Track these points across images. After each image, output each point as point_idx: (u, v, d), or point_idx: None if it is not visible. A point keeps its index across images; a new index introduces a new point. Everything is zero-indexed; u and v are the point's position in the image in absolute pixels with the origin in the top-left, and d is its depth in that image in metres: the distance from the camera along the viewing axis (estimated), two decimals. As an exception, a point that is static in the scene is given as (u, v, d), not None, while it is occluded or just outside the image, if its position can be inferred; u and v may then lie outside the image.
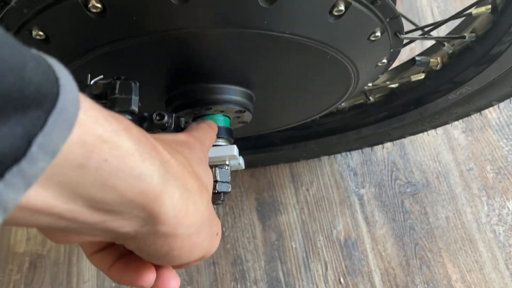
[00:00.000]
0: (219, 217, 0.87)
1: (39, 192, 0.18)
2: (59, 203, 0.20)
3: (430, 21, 1.03)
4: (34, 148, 0.16)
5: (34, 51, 0.18)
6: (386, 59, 0.49)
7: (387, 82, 0.67)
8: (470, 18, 0.54)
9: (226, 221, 0.90)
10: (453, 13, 0.99)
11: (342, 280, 0.82)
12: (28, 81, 0.16)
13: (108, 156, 0.20)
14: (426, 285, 0.79)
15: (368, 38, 0.42)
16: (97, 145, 0.19)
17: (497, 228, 0.82)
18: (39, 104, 0.17)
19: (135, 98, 0.36)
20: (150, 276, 0.30)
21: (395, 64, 0.71)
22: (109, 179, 0.20)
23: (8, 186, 0.16)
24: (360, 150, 0.92)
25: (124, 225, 0.24)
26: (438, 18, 1.03)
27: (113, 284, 0.86)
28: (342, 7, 0.37)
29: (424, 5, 1.05)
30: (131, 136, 0.22)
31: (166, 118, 0.39)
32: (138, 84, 0.37)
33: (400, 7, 1.06)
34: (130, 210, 0.23)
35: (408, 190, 0.88)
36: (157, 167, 0.23)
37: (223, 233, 0.89)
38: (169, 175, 0.25)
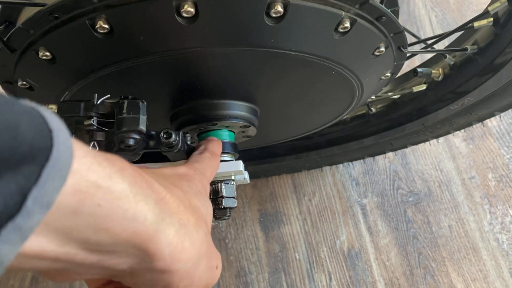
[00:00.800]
0: (221, 228, 0.87)
1: (34, 241, 0.19)
2: (54, 248, 0.20)
3: (429, 30, 1.04)
4: (29, 203, 0.17)
5: (27, 103, 0.18)
6: (390, 72, 0.50)
7: (389, 93, 0.68)
8: (471, 31, 0.55)
9: (229, 233, 0.89)
10: (451, 22, 1.00)
11: (346, 291, 0.82)
12: (21, 139, 0.16)
13: (101, 201, 0.20)
14: (430, 295, 0.79)
15: (373, 53, 0.43)
16: (90, 192, 0.20)
17: (500, 236, 0.82)
18: (32, 159, 0.17)
19: (143, 118, 0.36)
20: None
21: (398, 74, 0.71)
22: (103, 222, 0.21)
23: (4, 243, 0.16)
24: (362, 160, 0.92)
25: (120, 263, 0.24)
26: (437, 28, 1.04)
27: (116, 298, 0.85)
28: (347, 24, 0.37)
29: (423, 15, 1.06)
30: (125, 178, 0.22)
31: (173, 136, 0.39)
32: (145, 103, 0.37)
33: (398, 18, 1.07)
34: (125, 250, 0.23)
35: (410, 199, 0.88)
36: (151, 206, 0.24)
37: (226, 244, 0.88)
38: (164, 212, 0.25)
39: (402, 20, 1.06)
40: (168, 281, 0.27)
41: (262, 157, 0.87)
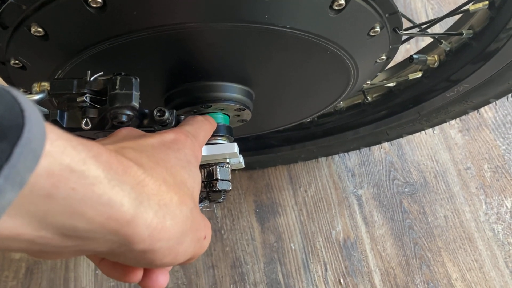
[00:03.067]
0: (217, 219, 0.86)
1: (7, 222, 0.19)
2: (29, 231, 0.20)
3: (425, 22, 1.04)
4: (0, 180, 0.16)
5: None
6: (385, 55, 0.49)
7: (385, 81, 0.68)
8: (467, 15, 0.55)
9: (224, 224, 0.89)
10: (450, 20, 1.00)
11: (342, 281, 0.81)
12: None
13: (75, 185, 0.20)
14: (426, 285, 0.79)
15: (368, 34, 0.43)
16: (64, 175, 0.20)
17: (495, 226, 0.82)
18: (4, 136, 0.17)
19: (136, 94, 0.36)
20: (137, 274, 0.30)
21: (392, 63, 0.71)
22: (78, 207, 0.21)
23: None
24: (357, 151, 0.92)
25: (100, 246, 0.24)
26: (433, 20, 1.04)
27: (111, 289, 0.85)
28: (342, 1, 0.37)
29: (419, 7, 1.06)
30: (100, 163, 0.22)
31: (167, 114, 0.39)
32: (138, 80, 0.37)
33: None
34: (102, 236, 0.23)
35: (406, 190, 0.88)
36: (127, 191, 0.24)
37: (221, 235, 0.88)
38: (142, 196, 0.25)
39: (398, 13, 1.06)
40: (150, 259, 0.27)
41: (258, 148, 0.86)
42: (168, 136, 0.34)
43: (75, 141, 0.21)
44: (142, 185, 0.25)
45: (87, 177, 0.21)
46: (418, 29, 0.56)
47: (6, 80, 0.47)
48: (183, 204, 0.29)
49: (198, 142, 0.37)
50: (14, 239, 0.20)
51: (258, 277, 0.83)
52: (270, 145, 0.86)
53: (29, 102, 0.19)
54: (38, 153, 0.18)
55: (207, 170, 0.49)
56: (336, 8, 0.37)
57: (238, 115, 0.52)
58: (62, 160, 0.20)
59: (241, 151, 0.51)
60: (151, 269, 0.32)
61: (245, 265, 0.84)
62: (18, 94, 0.19)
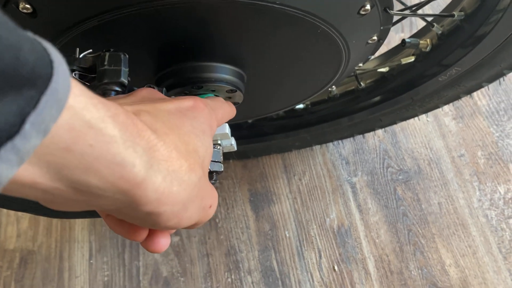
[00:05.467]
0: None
1: (27, 170, 0.19)
2: (45, 181, 0.21)
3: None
4: (27, 126, 0.17)
5: (30, 34, 0.19)
6: (377, 36, 0.49)
7: (378, 67, 0.68)
8: (458, -3, 0.55)
9: (219, 213, 0.89)
10: (442, 4, 1.00)
11: (336, 267, 0.82)
12: (24, 61, 0.17)
13: (93, 141, 0.21)
14: (420, 271, 0.80)
15: (358, 12, 0.42)
16: (83, 131, 0.21)
17: (489, 212, 0.82)
18: (33, 84, 0.18)
19: (124, 70, 0.36)
20: (141, 234, 0.31)
21: (385, 49, 0.71)
22: (93, 164, 0.22)
23: (2, 162, 0.17)
24: (351, 139, 0.92)
25: (108, 204, 0.25)
26: (427, 9, 1.04)
27: (106, 279, 0.85)
28: (331, -23, 0.37)
29: (413, -4, 1.06)
30: (117, 123, 0.23)
31: (156, 90, 0.39)
32: (127, 56, 0.36)
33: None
34: (112, 194, 0.24)
35: (400, 177, 0.88)
36: (140, 153, 0.24)
37: (216, 224, 0.88)
38: (152, 160, 0.25)
39: (393, 2, 1.06)
40: (156, 221, 0.28)
41: (252, 137, 0.86)
42: (186, 102, 0.34)
43: (95, 99, 0.22)
44: (154, 150, 0.26)
45: (104, 135, 0.22)
46: (410, 11, 0.56)
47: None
48: (192, 172, 0.29)
49: (216, 116, 0.37)
50: (31, 186, 0.20)
51: (253, 264, 0.83)
52: (264, 133, 0.86)
53: (58, 54, 0.20)
54: (62, 104, 0.19)
55: (199, 152, 0.49)
56: (326, -16, 0.37)
57: (230, 97, 0.51)
58: (83, 115, 0.20)
59: (235, 140, 0.51)
60: (154, 231, 0.33)
61: (239, 253, 0.85)
62: (48, 45, 0.19)
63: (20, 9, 0.37)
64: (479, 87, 0.65)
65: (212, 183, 0.50)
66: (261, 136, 0.86)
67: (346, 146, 0.92)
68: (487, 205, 0.83)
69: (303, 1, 0.38)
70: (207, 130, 0.34)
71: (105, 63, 0.36)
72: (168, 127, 0.29)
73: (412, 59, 0.64)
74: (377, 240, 0.83)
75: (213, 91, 0.49)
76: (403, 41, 0.61)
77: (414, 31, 0.97)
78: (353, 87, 0.75)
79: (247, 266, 0.83)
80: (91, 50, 0.37)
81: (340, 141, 0.92)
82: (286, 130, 0.84)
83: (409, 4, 0.57)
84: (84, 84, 0.37)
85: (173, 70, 0.47)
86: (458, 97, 0.69)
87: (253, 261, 0.83)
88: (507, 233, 0.80)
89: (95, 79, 0.37)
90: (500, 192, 0.84)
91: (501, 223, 0.81)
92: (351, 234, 0.84)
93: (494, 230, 0.81)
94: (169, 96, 0.45)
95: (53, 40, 0.40)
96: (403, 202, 0.85)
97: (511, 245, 0.79)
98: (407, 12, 0.54)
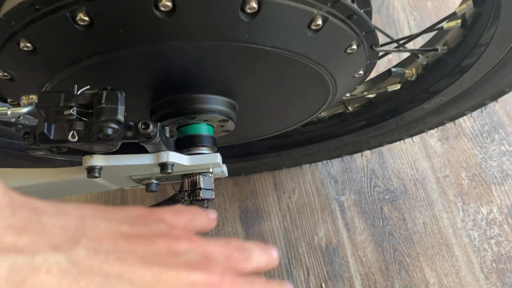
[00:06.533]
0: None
1: None
2: None
3: (407, 33, 1.07)
4: None
5: None
6: (363, 70, 0.52)
7: (365, 93, 0.70)
8: (442, 32, 0.57)
9: (210, 230, 0.90)
10: (428, 25, 1.03)
11: (323, 285, 0.83)
12: None
13: None
14: (405, 289, 0.82)
15: (345, 51, 0.45)
16: None
17: (472, 232, 0.85)
18: None
19: (121, 108, 0.38)
20: None
21: (373, 75, 0.73)
22: None
23: None
24: (340, 158, 0.94)
25: None
26: (415, 31, 1.07)
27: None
28: (319, 22, 0.39)
29: (401, 18, 1.09)
30: None
31: (151, 127, 0.40)
32: (124, 94, 0.38)
33: (378, 20, 1.10)
34: None
35: (386, 196, 0.90)
36: None
37: (206, 241, 0.89)
38: None
39: (382, 23, 1.09)
40: None
41: (243, 155, 0.88)
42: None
43: None
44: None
45: None
46: (396, 44, 0.59)
47: (-6, 90, 0.48)
48: None
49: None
50: None
51: (242, 281, 0.84)
52: (255, 152, 0.88)
53: None
54: None
55: (191, 180, 0.50)
56: (314, 28, 0.39)
57: (222, 126, 0.53)
58: None
59: (227, 158, 0.52)
60: None
61: (229, 270, 0.86)
62: None
63: (21, 46, 0.38)
64: (462, 114, 0.68)
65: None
66: (252, 155, 0.88)
67: (335, 165, 0.94)
68: (470, 225, 0.85)
69: (292, 44, 0.40)
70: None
71: (103, 101, 0.37)
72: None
73: (398, 87, 0.67)
74: (363, 259, 0.85)
75: (206, 120, 0.51)
76: (390, 70, 0.63)
77: (402, 54, 1.00)
78: (341, 110, 0.77)
79: (237, 283, 0.84)
80: (88, 87, 0.39)
81: (329, 160, 0.94)
82: (276, 150, 0.86)
83: (398, 30, 0.59)
84: (81, 120, 0.39)
85: (167, 101, 0.49)
86: (442, 123, 0.72)
87: (242, 278, 0.85)
88: (489, 253, 0.82)
89: (92, 114, 0.38)
90: (482, 213, 0.86)
91: (483, 243, 0.83)
92: (339, 252, 0.86)
93: (477, 250, 0.83)
94: (164, 126, 0.47)
95: (52, 75, 0.41)
96: (389, 221, 0.88)
97: (493, 266, 0.81)
98: (392, 47, 0.57)
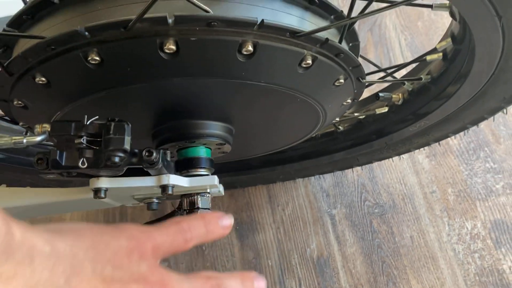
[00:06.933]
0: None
1: None
2: None
3: (398, 52, 1.11)
4: None
5: None
6: (350, 99, 0.55)
7: (355, 114, 0.74)
8: (425, 63, 0.61)
9: (205, 240, 0.94)
10: (419, 45, 1.08)
11: (314, 296, 0.87)
12: None
13: None
14: (392, 301, 0.85)
15: (333, 84, 0.48)
16: None
17: (456, 246, 0.89)
18: None
19: (127, 138, 0.41)
20: None
21: (364, 95, 0.77)
22: None
23: None
24: (332, 173, 0.98)
25: None
26: (406, 50, 1.11)
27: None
28: (309, 61, 0.42)
29: (393, 37, 1.13)
30: None
31: (154, 154, 0.44)
32: (130, 125, 0.42)
33: (370, 39, 1.14)
34: None
35: (376, 210, 0.94)
36: None
37: (202, 251, 0.93)
38: None
39: (374, 42, 1.14)
40: None
41: (239, 169, 0.92)
42: None
43: None
44: None
45: None
46: (383, 73, 0.63)
47: (7, 114, 0.52)
48: None
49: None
50: None
51: (236, 291, 0.88)
52: (250, 167, 0.91)
53: None
54: None
55: (189, 199, 0.54)
56: (304, 66, 0.43)
57: (219, 148, 0.57)
58: None
59: (223, 172, 0.56)
60: None
61: (224, 280, 0.89)
62: None
63: (36, 80, 0.42)
64: (446, 136, 0.72)
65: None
66: (247, 169, 0.91)
67: (327, 179, 0.98)
68: (455, 239, 0.89)
69: (284, 80, 0.44)
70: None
71: (111, 132, 0.41)
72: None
73: (385, 109, 0.71)
74: (353, 270, 0.89)
75: (204, 144, 0.55)
76: (377, 95, 0.67)
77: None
78: (332, 129, 0.81)
79: (231, 293, 0.88)
80: (97, 117, 0.42)
81: (321, 175, 0.98)
82: (271, 165, 0.90)
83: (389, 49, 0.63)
84: (90, 148, 0.42)
85: (169, 126, 0.52)
86: (428, 144, 0.76)
87: (236, 288, 0.88)
88: (472, 267, 0.86)
89: (100, 143, 0.42)
90: (467, 228, 0.90)
91: (467, 257, 0.87)
92: (330, 264, 0.90)
93: (461, 263, 0.87)
94: (165, 149, 0.50)
95: (63, 106, 0.45)
96: (378, 235, 0.91)
97: (476, 278, 0.85)
98: (378, 79, 0.61)
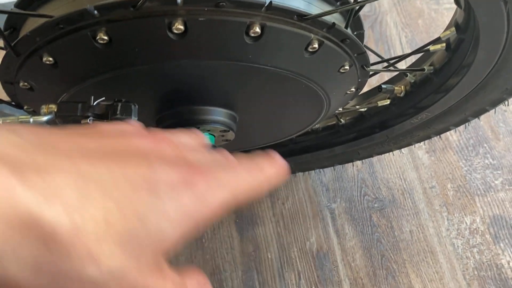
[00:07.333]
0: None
1: None
2: None
3: (399, 49, 1.12)
4: None
5: None
6: (354, 88, 0.56)
7: (357, 106, 0.74)
8: (428, 54, 0.61)
9: (205, 233, 0.94)
10: (419, 42, 1.08)
11: (314, 289, 0.87)
12: None
13: None
14: (391, 294, 0.86)
15: (338, 71, 0.49)
16: None
17: (455, 241, 0.89)
18: None
19: (134, 119, 0.41)
20: None
21: (365, 89, 0.78)
22: None
23: None
24: (332, 167, 0.98)
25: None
26: (406, 47, 1.12)
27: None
28: (316, 45, 0.43)
29: (393, 34, 1.14)
30: None
31: (160, 136, 0.44)
32: (137, 106, 0.42)
33: (371, 36, 1.14)
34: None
35: (375, 205, 0.94)
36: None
37: (202, 244, 0.93)
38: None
39: (375, 39, 1.14)
40: None
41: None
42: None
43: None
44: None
45: None
46: (386, 64, 0.63)
47: (12, 97, 0.52)
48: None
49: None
50: None
51: (236, 284, 0.88)
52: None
53: None
54: None
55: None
56: (311, 50, 0.43)
57: (223, 135, 0.57)
58: None
59: None
60: None
61: (224, 272, 0.90)
62: None
63: (43, 60, 0.42)
64: (447, 129, 0.72)
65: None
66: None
67: (327, 174, 0.98)
68: (454, 234, 0.90)
69: (290, 64, 0.45)
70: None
71: (117, 112, 0.41)
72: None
73: (387, 102, 0.71)
74: (352, 264, 0.89)
75: (208, 130, 0.55)
76: (380, 87, 0.68)
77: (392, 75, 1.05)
78: (334, 122, 0.82)
79: (231, 286, 0.88)
80: (104, 98, 0.43)
81: (321, 169, 0.98)
82: (271, 158, 0.90)
83: (390, 46, 0.64)
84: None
85: (173, 112, 0.52)
86: (429, 137, 0.76)
87: (236, 281, 0.88)
88: (471, 261, 0.87)
89: (106, 124, 0.42)
90: (466, 223, 0.91)
91: (466, 251, 0.88)
92: (329, 258, 0.90)
93: (460, 258, 0.87)
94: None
95: (70, 87, 0.45)
96: (378, 229, 0.92)
97: (475, 273, 0.85)
98: (382, 67, 0.61)
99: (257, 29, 0.39)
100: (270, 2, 0.38)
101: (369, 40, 1.14)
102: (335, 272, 0.89)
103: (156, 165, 0.22)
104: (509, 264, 0.85)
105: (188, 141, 0.31)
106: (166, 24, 0.38)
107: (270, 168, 0.28)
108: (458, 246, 0.89)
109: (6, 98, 0.54)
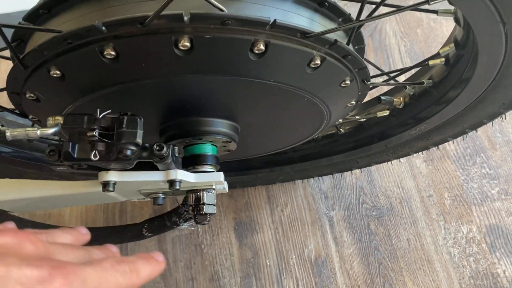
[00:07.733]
0: (197, 234, 0.92)
1: None
2: None
3: (397, 58, 1.13)
4: None
5: None
6: (355, 100, 0.57)
7: (356, 116, 0.75)
8: (428, 68, 0.62)
9: (204, 239, 0.95)
10: (418, 52, 1.10)
11: (312, 296, 0.88)
12: None
13: None
14: (388, 302, 0.87)
15: (339, 85, 0.50)
16: None
17: (452, 250, 0.90)
18: None
19: (140, 132, 0.42)
20: None
21: (365, 99, 0.79)
22: None
23: None
24: (331, 175, 0.99)
25: None
26: (405, 56, 1.13)
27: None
28: (318, 61, 0.44)
29: (393, 43, 1.15)
30: None
31: (165, 149, 0.45)
32: (142, 119, 0.43)
33: (370, 45, 1.15)
34: None
35: (373, 213, 0.95)
36: None
37: (201, 250, 0.94)
38: None
39: (374, 48, 1.15)
40: None
41: (239, 169, 0.93)
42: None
43: None
44: None
45: None
46: (386, 77, 0.64)
47: (17, 106, 0.53)
48: None
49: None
50: None
51: (234, 290, 0.89)
52: (251, 167, 0.92)
53: None
54: None
55: (195, 195, 0.55)
56: (313, 66, 0.44)
57: (225, 146, 0.58)
58: None
59: (223, 171, 0.57)
60: None
61: (222, 278, 0.90)
62: None
63: (50, 73, 0.43)
64: (445, 141, 0.73)
65: (206, 224, 0.56)
66: (248, 169, 0.92)
67: (326, 181, 0.99)
68: (451, 243, 0.91)
69: (293, 79, 0.45)
70: None
71: (123, 125, 0.42)
72: None
73: (386, 113, 0.72)
74: (350, 272, 0.90)
75: (211, 141, 0.56)
76: (379, 98, 0.69)
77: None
78: (333, 131, 0.83)
79: (229, 292, 0.89)
80: (109, 111, 0.43)
81: (320, 177, 0.99)
82: (271, 165, 0.91)
83: (389, 55, 0.64)
84: (102, 141, 0.43)
85: (177, 122, 0.53)
86: (427, 148, 0.77)
87: (235, 287, 0.89)
88: (467, 270, 0.88)
89: (112, 136, 0.43)
90: (463, 232, 0.92)
91: (462, 260, 0.89)
92: (327, 265, 0.91)
93: (456, 266, 0.88)
94: (174, 146, 0.51)
95: (76, 99, 0.46)
96: (376, 237, 0.93)
97: (471, 282, 0.86)
98: (382, 81, 0.62)
99: (261, 46, 0.40)
100: (275, 21, 0.38)
101: (369, 48, 1.15)
102: (333, 279, 0.89)
103: (12, 263, 0.24)
104: (504, 273, 0.86)
105: (64, 239, 0.34)
106: (173, 41, 0.39)
107: (144, 269, 0.32)
108: (454, 254, 0.90)
109: (6, 104, 0.54)
